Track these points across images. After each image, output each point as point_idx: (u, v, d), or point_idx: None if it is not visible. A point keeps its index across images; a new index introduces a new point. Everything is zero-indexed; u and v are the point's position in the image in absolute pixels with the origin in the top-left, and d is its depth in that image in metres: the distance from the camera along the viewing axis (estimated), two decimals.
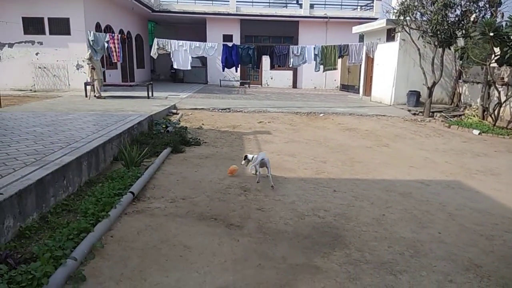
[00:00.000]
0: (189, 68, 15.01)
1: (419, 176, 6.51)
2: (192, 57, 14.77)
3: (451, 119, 12.49)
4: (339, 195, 5.39)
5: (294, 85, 25.38)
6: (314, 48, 14.55)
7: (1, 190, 3.78)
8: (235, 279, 3.20)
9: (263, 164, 5.89)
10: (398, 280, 3.25)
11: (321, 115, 12.93)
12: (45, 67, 16.78)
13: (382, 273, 3.35)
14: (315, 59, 14.58)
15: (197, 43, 14.54)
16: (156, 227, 4.12)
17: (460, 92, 14.68)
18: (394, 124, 11.80)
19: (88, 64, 13.59)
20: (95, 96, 13.49)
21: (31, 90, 16.67)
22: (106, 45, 13.07)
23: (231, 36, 24.15)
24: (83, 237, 3.56)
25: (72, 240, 3.46)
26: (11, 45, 16.49)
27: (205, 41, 19.21)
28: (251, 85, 24.37)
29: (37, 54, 16.61)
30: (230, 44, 14.80)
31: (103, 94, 13.69)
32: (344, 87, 23.84)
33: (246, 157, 6.30)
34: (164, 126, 9.56)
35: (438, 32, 12.27)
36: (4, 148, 5.54)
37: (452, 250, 3.85)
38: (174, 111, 12.55)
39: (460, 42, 13.83)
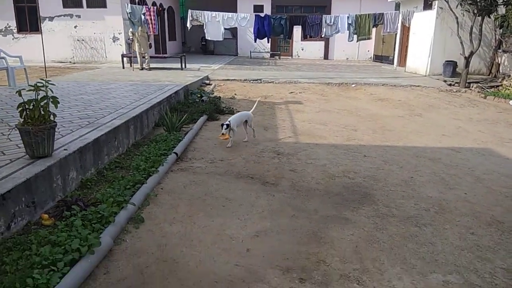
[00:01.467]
0: (221, 39, 15.21)
1: (450, 143, 6.62)
2: (224, 28, 14.94)
3: (488, 89, 12.19)
4: (369, 160, 5.64)
5: (326, 56, 25.04)
6: (348, 17, 14.33)
7: (65, 146, 4.29)
8: (272, 225, 3.58)
9: (248, 119, 6.31)
10: (422, 231, 3.54)
11: (353, 85, 12.93)
12: (83, 40, 17.46)
13: (408, 225, 3.64)
14: (348, 29, 14.39)
15: (230, 14, 14.65)
16: (200, 183, 4.56)
17: (499, 62, 14.17)
18: (428, 95, 11.68)
19: (131, 40, 14.29)
20: (141, 68, 14.02)
21: (70, 62, 17.46)
22: (142, 17, 13.43)
23: (261, 6, 23.92)
24: (138, 187, 4.04)
25: (129, 190, 3.94)
26: (51, 19, 17.21)
27: (235, 12, 19.21)
28: (281, 57, 24.29)
29: (75, 27, 17.27)
30: (262, 14, 14.82)
31: (145, 66, 14.19)
32: (378, 58, 23.33)
33: (227, 126, 5.83)
34: (199, 95, 9.96)
35: (478, 0, 11.81)
36: (59, 113, 6.05)
37: (476, 208, 4.06)
38: (207, 81, 12.90)
39: (501, 10, 13.22)
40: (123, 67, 14.48)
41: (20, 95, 3.73)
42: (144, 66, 14.17)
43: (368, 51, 24.47)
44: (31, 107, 3.70)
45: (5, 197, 3.03)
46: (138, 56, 14.04)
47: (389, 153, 5.97)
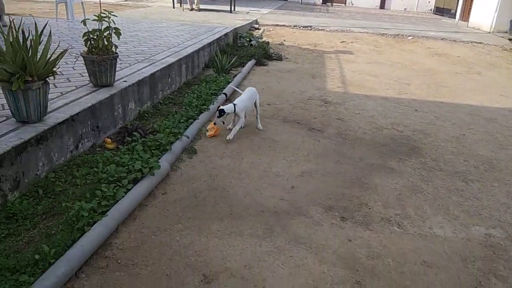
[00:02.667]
0: None
1: (508, 104, 6.26)
2: None
3: None
4: (420, 114, 5.50)
5: (382, 5, 23.57)
6: None
7: (124, 78, 4.51)
8: (317, 168, 3.69)
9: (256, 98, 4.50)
10: (469, 186, 3.52)
11: (410, 38, 12.23)
12: None
13: (454, 179, 3.62)
14: None
15: None
16: (247, 124, 4.69)
17: None
18: (490, 53, 10.87)
19: None
20: (191, 9, 13.96)
21: None
22: None
23: None
24: (191, 122, 4.25)
25: (183, 123, 4.15)
26: None
27: None
28: (334, 4, 23.15)
29: None
30: None
31: (195, 6, 14.09)
32: (439, 10, 21.65)
33: (221, 112, 4.00)
34: (247, 39, 9.86)
35: None
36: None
37: None
38: (256, 26, 12.67)
39: None
40: (173, 7, 14.44)
41: (85, 24, 3.91)
42: (193, 7, 14.07)
43: (429, 2, 22.72)
44: (95, 36, 3.88)
45: (74, 119, 3.31)
46: None
47: (442, 109, 5.77)
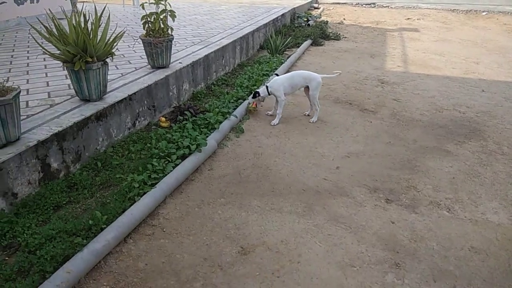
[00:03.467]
0: None
1: None
2: None
3: None
4: (487, 95, 5.07)
5: None
6: None
7: (179, 60, 4.71)
8: (365, 149, 3.60)
9: (311, 84, 4.11)
10: None
11: (484, 13, 11.17)
12: None
13: None
14: None
15: None
16: (297, 104, 4.68)
17: None
18: None
19: None
20: None
21: None
22: None
23: None
24: (241, 103, 4.34)
25: (233, 104, 4.26)
26: None
27: None
28: None
29: None
30: None
31: None
32: None
33: (256, 94, 4.12)
34: (305, 19, 9.68)
35: None
36: (175, 31, 6.53)
37: None
38: (316, 5, 12.38)
39: None
40: None
41: (143, 8, 4.13)
42: None
43: None
44: (152, 19, 4.08)
45: (131, 98, 3.55)
46: None
47: None
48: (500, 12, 11.25)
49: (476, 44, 7.97)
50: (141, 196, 2.57)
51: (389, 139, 3.83)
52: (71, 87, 3.39)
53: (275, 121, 4.09)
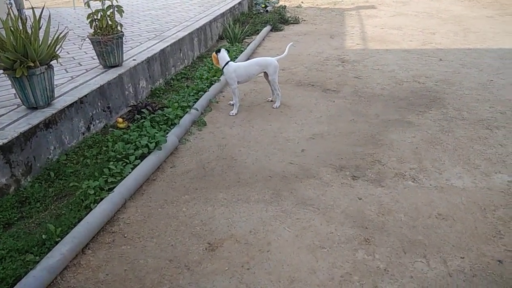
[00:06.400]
0: None
1: None
2: None
3: None
4: (444, 64, 5.15)
5: None
6: None
7: (134, 57, 4.52)
8: (329, 129, 3.57)
9: (268, 70, 4.03)
10: (494, 133, 3.28)
11: None
12: None
13: (478, 128, 3.38)
14: None
15: None
16: (259, 91, 4.60)
17: None
18: None
19: None
20: None
21: None
22: None
23: None
24: (201, 95, 4.22)
25: (193, 97, 4.14)
26: None
27: None
28: None
29: None
30: None
31: None
32: None
33: (218, 51, 4.02)
34: (263, 5, 9.56)
35: None
36: (128, 28, 6.34)
37: None
38: None
39: None
40: None
41: (89, 6, 3.92)
42: None
43: None
44: (98, 17, 3.88)
45: (82, 101, 3.37)
46: None
47: (469, 56, 5.38)
48: None
49: (432, 16, 8.10)
50: (97, 203, 2.43)
51: (352, 116, 3.81)
52: (17, 96, 3.18)
53: (234, 111, 3.98)
